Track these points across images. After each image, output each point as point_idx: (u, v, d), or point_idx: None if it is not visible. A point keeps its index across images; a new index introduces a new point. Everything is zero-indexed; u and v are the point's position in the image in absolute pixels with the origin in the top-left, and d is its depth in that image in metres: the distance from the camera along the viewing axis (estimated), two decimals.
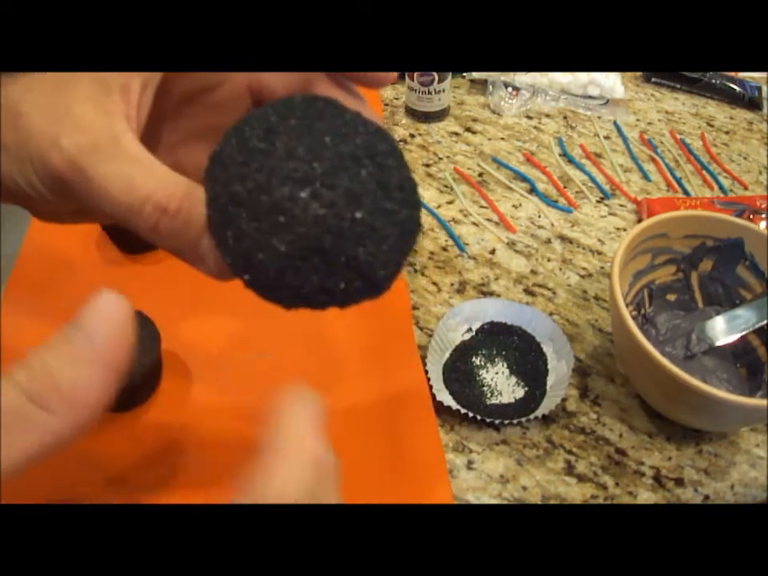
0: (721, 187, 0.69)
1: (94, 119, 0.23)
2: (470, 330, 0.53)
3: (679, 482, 0.45)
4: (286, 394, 0.21)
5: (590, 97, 0.80)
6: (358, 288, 0.22)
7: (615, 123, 0.77)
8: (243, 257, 0.21)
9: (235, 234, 0.21)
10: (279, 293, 0.22)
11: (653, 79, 0.84)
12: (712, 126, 0.78)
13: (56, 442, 0.19)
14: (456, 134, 0.75)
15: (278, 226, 0.21)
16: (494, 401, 0.49)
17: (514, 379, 0.50)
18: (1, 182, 0.25)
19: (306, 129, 0.22)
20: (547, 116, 0.78)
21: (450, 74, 0.73)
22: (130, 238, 0.49)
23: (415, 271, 0.59)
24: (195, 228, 0.22)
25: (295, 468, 0.20)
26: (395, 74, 0.27)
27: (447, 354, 0.52)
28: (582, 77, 0.79)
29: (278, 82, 0.27)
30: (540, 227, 0.64)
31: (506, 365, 0.51)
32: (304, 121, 0.22)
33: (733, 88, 0.80)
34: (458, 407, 0.47)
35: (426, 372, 0.49)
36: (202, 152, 0.27)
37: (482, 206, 0.66)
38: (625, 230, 0.64)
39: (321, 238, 0.21)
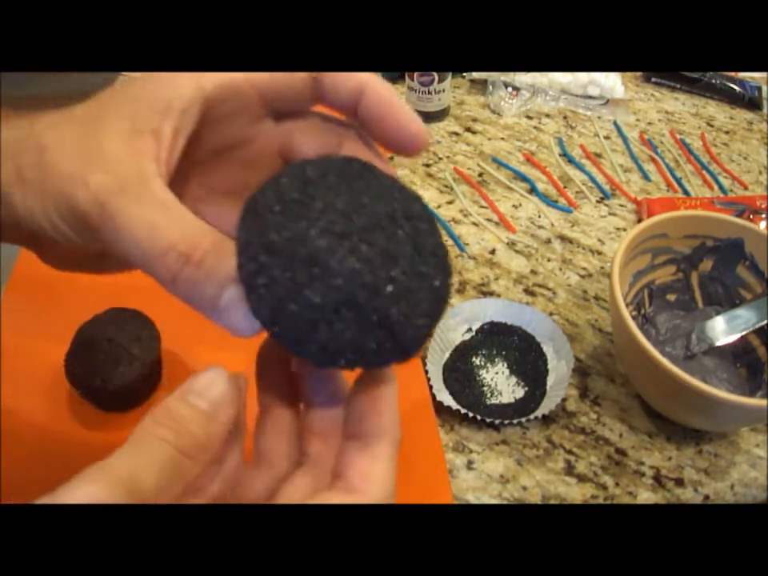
0: (721, 187, 0.69)
1: (124, 158, 0.23)
2: (470, 329, 0.53)
3: (679, 482, 0.45)
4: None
5: (590, 97, 0.80)
6: (388, 349, 0.22)
7: (615, 123, 0.77)
8: (274, 307, 0.21)
9: (267, 284, 0.21)
10: (308, 347, 0.21)
11: (653, 79, 0.84)
12: (712, 125, 0.78)
13: (191, 482, 0.22)
14: (456, 133, 0.75)
15: (312, 277, 0.20)
16: (494, 401, 0.49)
17: (514, 379, 0.50)
18: (18, 219, 0.24)
19: (344, 186, 0.22)
20: (547, 116, 0.78)
21: (450, 73, 0.73)
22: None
23: None
24: (217, 280, 0.22)
25: None
26: (427, 141, 0.27)
27: (447, 354, 0.52)
28: (582, 77, 0.79)
29: (310, 143, 0.27)
30: (540, 227, 0.64)
31: (506, 365, 0.51)
32: (342, 178, 0.22)
33: (733, 88, 0.80)
34: (458, 407, 0.47)
35: (426, 372, 0.49)
36: (228, 209, 0.27)
37: (482, 206, 0.66)
38: (625, 229, 0.64)
39: (355, 293, 0.20)
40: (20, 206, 0.23)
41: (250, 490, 0.25)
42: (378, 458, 0.23)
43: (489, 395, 0.49)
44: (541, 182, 0.69)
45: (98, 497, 0.18)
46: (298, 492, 0.24)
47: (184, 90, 0.24)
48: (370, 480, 0.22)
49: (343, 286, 0.20)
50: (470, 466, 0.46)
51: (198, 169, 0.27)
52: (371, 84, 0.25)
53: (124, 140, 0.23)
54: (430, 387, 0.48)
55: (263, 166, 0.28)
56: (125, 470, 0.19)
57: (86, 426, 0.47)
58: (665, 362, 0.41)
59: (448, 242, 0.62)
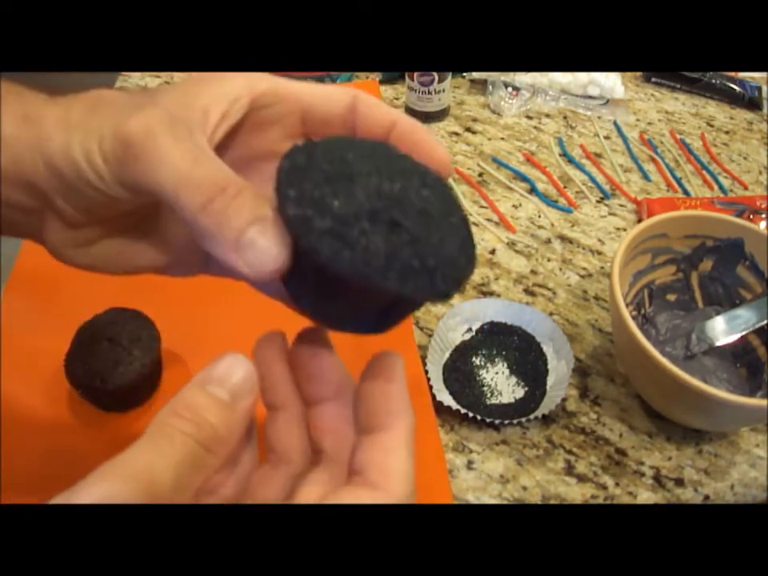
0: (721, 187, 0.69)
1: (177, 108, 0.24)
2: (470, 329, 0.53)
3: (679, 482, 0.45)
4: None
5: (590, 97, 0.80)
6: (426, 280, 0.22)
7: (615, 123, 0.77)
8: (318, 229, 0.21)
9: (307, 200, 0.21)
10: (340, 262, 0.21)
11: (653, 79, 0.84)
12: (712, 126, 0.78)
13: (208, 479, 0.22)
14: (456, 134, 0.75)
15: (351, 196, 0.21)
16: (494, 401, 0.49)
17: (514, 379, 0.50)
18: (50, 162, 0.24)
19: (378, 152, 0.24)
20: (547, 116, 0.78)
21: (450, 73, 0.73)
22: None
23: None
24: (247, 214, 0.22)
25: None
26: (452, 168, 0.29)
27: (447, 354, 0.52)
28: (582, 77, 0.79)
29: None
30: (540, 227, 0.64)
31: (506, 365, 0.51)
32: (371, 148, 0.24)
33: (733, 88, 0.80)
34: (458, 407, 0.47)
35: (426, 372, 0.49)
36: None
37: (482, 206, 0.66)
38: (625, 229, 0.64)
39: (393, 213, 0.21)
40: (56, 146, 0.24)
41: (267, 489, 0.25)
42: (394, 448, 0.23)
43: (489, 395, 0.49)
44: (541, 182, 0.69)
45: (116, 494, 0.18)
46: (316, 489, 0.24)
47: (237, 83, 0.25)
48: (389, 474, 0.23)
49: (385, 205, 0.21)
50: (470, 465, 0.46)
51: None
52: (403, 118, 0.27)
53: (178, 102, 0.24)
54: (430, 387, 0.48)
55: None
56: (142, 465, 0.19)
57: (86, 426, 0.47)
58: (665, 362, 0.41)
59: None
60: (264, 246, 0.22)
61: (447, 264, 0.22)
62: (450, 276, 0.22)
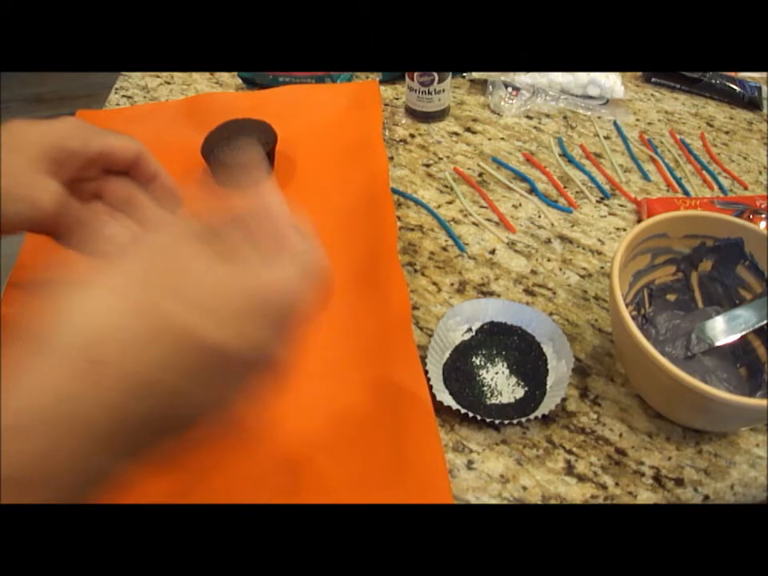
0: (721, 187, 0.69)
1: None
2: (470, 330, 0.53)
3: (679, 482, 0.45)
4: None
5: (590, 97, 0.80)
6: None
7: (615, 123, 0.77)
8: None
9: None
10: None
11: (653, 79, 0.84)
12: (712, 126, 0.78)
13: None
14: (456, 133, 0.75)
15: None
16: (494, 401, 0.49)
17: (514, 379, 0.50)
18: None
19: None
20: (547, 116, 0.78)
21: (450, 73, 0.73)
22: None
23: (415, 271, 0.59)
24: None
25: None
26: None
27: (447, 354, 0.52)
28: (582, 77, 0.79)
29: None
30: (540, 227, 0.64)
31: (505, 365, 0.51)
32: None
33: (733, 88, 0.80)
34: (458, 407, 0.47)
35: (426, 372, 0.49)
36: None
37: (482, 206, 0.66)
38: (625, 229, 0.64)
39: None
40: None
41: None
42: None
43: (489, 395, 0.49)
44: (541, 182, 0.69)
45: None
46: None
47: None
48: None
49: None
50: (470, 465, 0.46)
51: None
52: (145, 153, 0.37)
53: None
54: (430, 387, 0.48)
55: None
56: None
57: None
58: (665, 362, 0.41)
59: (448, 242, 0.62)
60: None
61: None
62: None
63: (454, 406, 0.47)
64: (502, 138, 0.74)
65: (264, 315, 0.24)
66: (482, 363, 0.51)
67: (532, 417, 0.47)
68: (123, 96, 0.80)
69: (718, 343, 0.49)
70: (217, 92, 0.78)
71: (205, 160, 0.62)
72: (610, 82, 0.78)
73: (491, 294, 0.57)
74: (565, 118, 0.78)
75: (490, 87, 0.79)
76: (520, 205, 0.66)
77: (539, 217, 0.65)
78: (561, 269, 0.60)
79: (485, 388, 0.50)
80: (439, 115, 0.75)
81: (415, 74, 0.72)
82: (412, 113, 0.76)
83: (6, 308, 0.53)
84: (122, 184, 0.38)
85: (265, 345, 0.25)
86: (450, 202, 0.66)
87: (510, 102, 0.78)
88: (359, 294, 0.55)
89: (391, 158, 0.71)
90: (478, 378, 0.50)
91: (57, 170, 0.35)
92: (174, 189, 0.39)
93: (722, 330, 0.49)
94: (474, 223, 0.64)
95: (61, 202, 0.35)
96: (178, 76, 0.83)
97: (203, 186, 0.33)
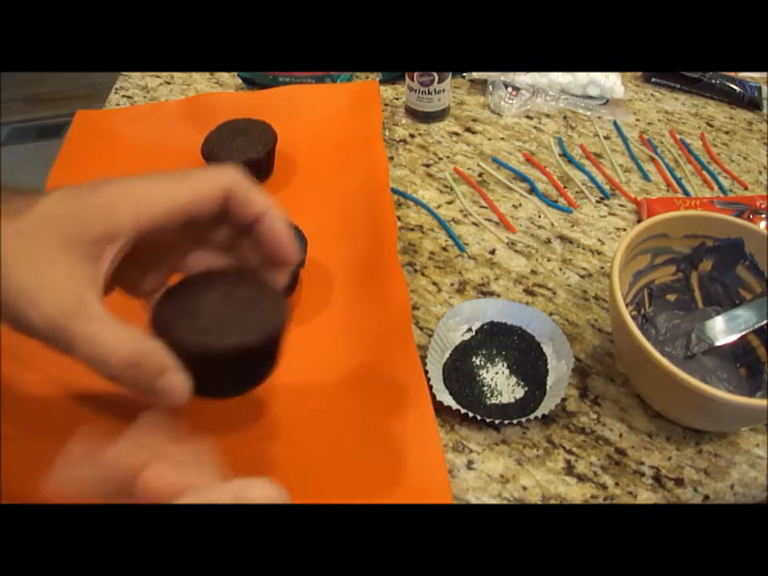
0: (721, 187, 0.69)
1: (67, 284, 0.28)
2: (470, 330, 0.53)
3: (679, 482, 0.45)
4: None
5: (590, 97, 0.80)
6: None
7: (615, 123, 0.77)
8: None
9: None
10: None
11: (653, 79, 0.84)
12: (712, 126, 0.78)
13: None
14: (456, 133, 0.75)
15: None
16: (494, 401, 0.49)
17: (514, 379, 0.50)
18: None
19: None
20: (547, 116, 0.78)
21: (450, 73, 0.73)
22: None
23: (415, 271, 0.59)
24: (152, 371, 0.28)
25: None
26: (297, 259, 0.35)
27: (447, 354, 0.52)
28: (582, 77, 0.79)
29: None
30: (540, 227, 0.64)
31: (506, 365, 0.51)
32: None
33: (733, 88, 0.80)
34: (458, 407, 0.47)
35: (426, 372, 0.49)
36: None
37: (482, 206, 0.66)
38: (625, 229, 0.64)
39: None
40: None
41: None
42: None
43: (489, 395, 0.49)
44: (541, 181, 0.69)
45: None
46: None
47: (124, 223, 0.29)
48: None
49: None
50: (470, 465, 0.46)
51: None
52: (271, 211, 0.32)
53: (68, 264, 0.28)
54: (430, 387, 0.48)
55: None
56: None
57: None
58: (665, 362, 0.41)
59: (448, 242, 0.62)
60: (175, 388, 0.29)
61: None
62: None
63: (454, 406, 0.47)
64: (502, 138, 0.74)
65: None
66: (482, 363, 0.51)
67: (532, 417, 0.47)
68: (123, 96, 0.80)
69: (718, 343, 0.49)
70: (217, 92, 0.78)
71: (205, 160, 0.62)
72: (610, 82, 0.78)
73: (491, 294, 0.57)
74: (565, 117, 0.78)
75: (490, 87, 0.79)
76: (520, 205, 0.66)
77: (539, 217, 0.65)
78: (561, 269, 0.60)
79: (485, 388, 0.50)
80: (439, 115, 0.75)
81: (415, 74, 0.72)
82: (412, 113, 0.76)
83: None
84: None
85: None
86: (449, 202, 0.66)
87: (510, 101, 0.78)
88: (359, 294, 0.55)
89: (391, 158, 0.71)
90: (478, 378, 0.50)
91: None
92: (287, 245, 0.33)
93: (722, 330, 0.49)
94: (474, 223, 0.64)
95: None
96: (178, 76, 0.83)
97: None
